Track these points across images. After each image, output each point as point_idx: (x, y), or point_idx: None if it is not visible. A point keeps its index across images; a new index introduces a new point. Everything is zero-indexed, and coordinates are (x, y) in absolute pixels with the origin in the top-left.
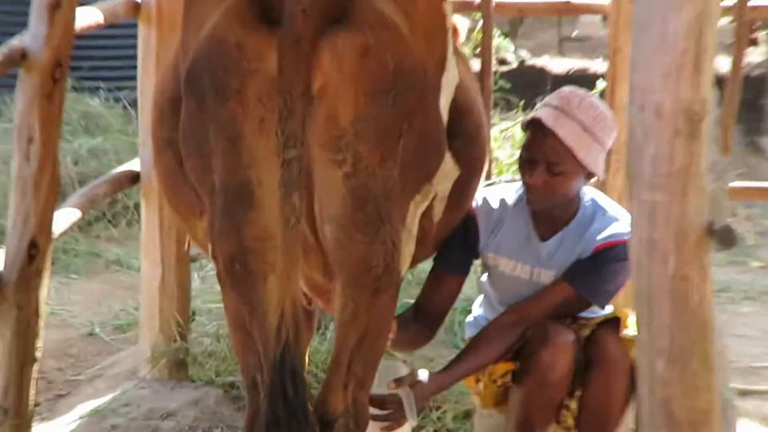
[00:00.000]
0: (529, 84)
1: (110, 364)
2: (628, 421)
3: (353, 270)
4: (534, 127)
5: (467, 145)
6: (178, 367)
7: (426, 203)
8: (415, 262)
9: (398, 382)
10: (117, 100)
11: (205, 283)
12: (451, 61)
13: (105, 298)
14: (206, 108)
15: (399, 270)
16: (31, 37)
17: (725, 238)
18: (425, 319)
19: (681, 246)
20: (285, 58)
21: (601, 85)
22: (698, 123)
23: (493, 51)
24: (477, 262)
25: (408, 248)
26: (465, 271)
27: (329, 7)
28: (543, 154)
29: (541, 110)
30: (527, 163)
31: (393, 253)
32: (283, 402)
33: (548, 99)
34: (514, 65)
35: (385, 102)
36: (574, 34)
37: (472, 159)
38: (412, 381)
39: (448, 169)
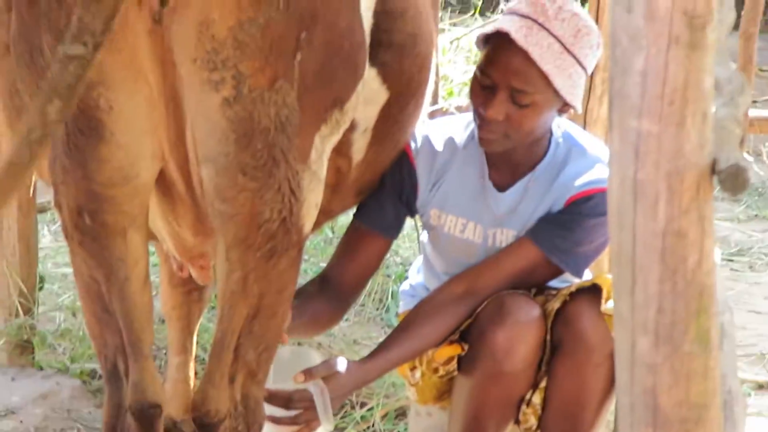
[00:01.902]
0: None
1: None
2: (607, 420)
3: (239, 226)
4: (496, 42)
5: (398, 60)
6: (21, 350)
7: (337, 136)
8: (328, 214)
9: (308, 373)
10: None
11: (59, 240)
12: None
13: None
14: (38, 6)
15: (301, 225)
16: None
17: (732, 180)
18: (333, 293)
19: (675, 190)
20: None
21: None
22: (701, 28)
23: None
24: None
25: (313, 196)
26: (393, 233)
27: None
28: (506, 78)
29: (506, 20)
30: (484, 89)
31: (291, 203)
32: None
33: (515, 5)
34: None
35: (276, 4)
36: None
37: (405, 78)
38: (327, 372)
39: (372, 91)
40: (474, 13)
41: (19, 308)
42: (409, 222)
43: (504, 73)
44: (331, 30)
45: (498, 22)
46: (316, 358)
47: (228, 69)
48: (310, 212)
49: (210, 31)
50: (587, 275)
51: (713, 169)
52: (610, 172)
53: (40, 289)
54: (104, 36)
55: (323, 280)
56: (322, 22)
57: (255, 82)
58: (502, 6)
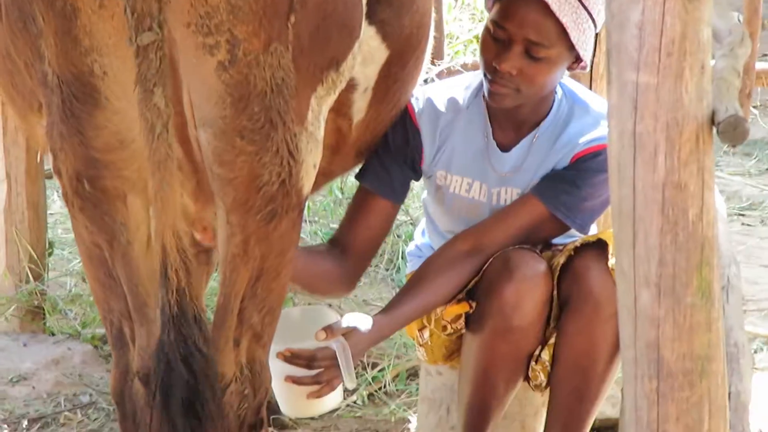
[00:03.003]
0: None
1: None
2: (616, 375)
3: (238, 190)
4: None
5: (397, 17)
6: (32, 316)
7: (333, 96)
8: (329, 176)
9: (330, 330)
10: None
11: None
12: None
13: None
14: None
15: (301, 187)
16: None
17: (731, 131)
18: (344, 256)
19: (674, 142)
20: None
21: None
22: None
23: None
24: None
25: (312, 157)
26: (400, 197)
27: None
28: (523, 30)
29: None
30: (497, 42)
31: (290, 165)
32: (185, 366)
33: None
34: None
35: None
36: None
37: (404, 35)
38: (347, 330)
39: (371, 50)
40: None
41: (29, 274)
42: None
43: (521, 24)
44: None
45: None
46: (331, 316)
47: (222, 33)
48: (309, 174)
49: None
50: (592, 230)
51: (712, 121)
52: (609, 126)
53: (50, 254)
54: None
55: (334, 244)
56: None
57: (249, 46)
58: None
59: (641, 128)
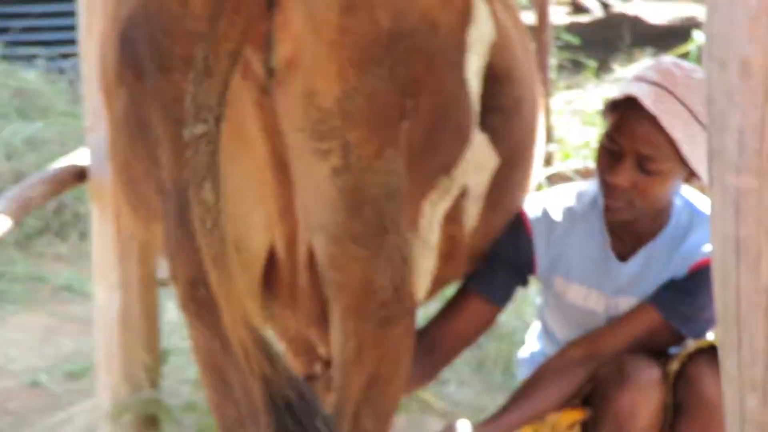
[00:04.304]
0: (605, 40)
1: (60, 423)
2: None
3: (352, 295)
4: (624, 109)
5: (506, 124)
6: (148, 424)
7: (447, 203)
8: (442, 282)
9: None
10: (61, 72)
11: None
12: (483, 11)
13: (52, 336)
14: (146, 81)
15: (413, 293)
16: None
17: None
18: (429, 352)
19: None
20: (223, 3)
21: (699, 37)
22: None
23: None
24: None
25: (426, 263)
26: (501, 301)
27: None
28: (634, 144)
29: (634, 86)
30: (610, 156)
31: (403, 272)
32: None
33: (642, 71)
34: (598, 14)
35: (380, 73)
36: None
37: (514, 142)
38: None
39: (482, 157)
40: (587, 74)
41: (145, 382)
42: (534, 285)
43: (632, 138)
44: (437, 96)
45: (625, 88)
46: (433, 427)
47: (335, 138)
48: (422, 280)
49: (316, 101)
50: (710, 336)
51: None
52: (711, 231)
53: (165, 362)
54: (221, 109)
55: (421, 337)
56: (428, 89)
57: (362, 151)
58: (615, 67)
59: (743, 232)
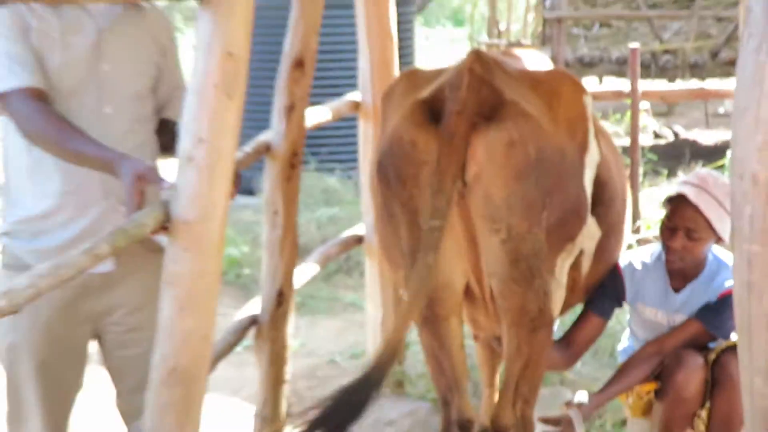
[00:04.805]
0: (672, 156)
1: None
2: None
3: (514, 314)
4: (677, 200)
5: (607, 209)
6: (397, 384)
7: (571, 259)
8: (567, 306)
9: (570, 404)
10: (349, 177)
11: None
12: (593, 143)
13: (343, 333)
14: (392, 189)
15: (551, 312)
16: (273, 133)
17: None
18: (568, 349)
19: None
20: (441, 149)
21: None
22: None
23: (643, 127)
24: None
25: (558, 294)
26: (608, 316)
27: (482, 108)
28: (684, 222)
29: (683, 187)
30: (669, 230)
31: (545, 300)
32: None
33: (688, 178)
34: (670, 139)
35: (530, 183)
36: (722, 110)
37: (609, 222)
38: (579, 403)
39: (592, 231)
40: (662, 178)
41: (396, 360)
42: (625, 307)
43: (682, 219)
44: (565, 195)
45: (677, 187)
46: (566, 394)
47: (502, 222)
48: (556, 304)
49: (491, 200)
50: (733, 337)
51: None
52: (733, 276)
53: (408, 349)
54: (448, 210)
55: (564, 337)
56: (559, 191)
57: (519, 230)
58: (679, 174)
59: (753, 278)
